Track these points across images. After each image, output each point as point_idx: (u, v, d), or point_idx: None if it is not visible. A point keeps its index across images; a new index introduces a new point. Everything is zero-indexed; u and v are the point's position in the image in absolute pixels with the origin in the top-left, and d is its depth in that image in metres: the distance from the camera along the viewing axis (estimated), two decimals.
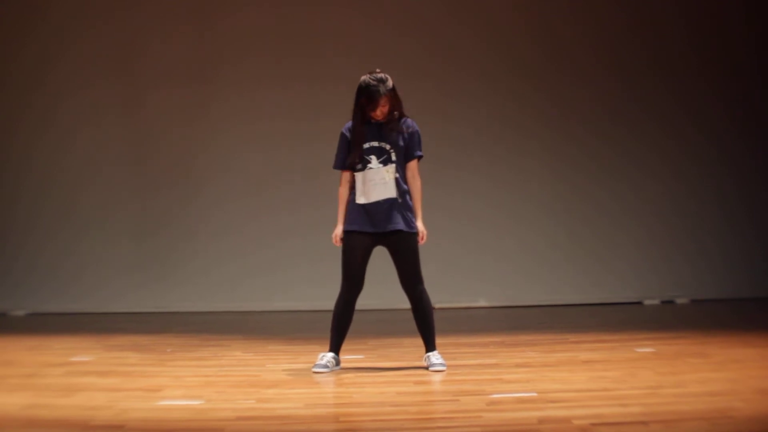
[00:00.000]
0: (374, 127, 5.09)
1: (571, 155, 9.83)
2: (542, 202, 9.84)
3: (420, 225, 5.12)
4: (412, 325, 5.24)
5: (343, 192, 5.15)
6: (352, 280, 5.05)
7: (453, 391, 4.51)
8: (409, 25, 9.74)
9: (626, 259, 9.75)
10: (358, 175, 5.09)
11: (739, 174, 9.92)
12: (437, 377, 4.90)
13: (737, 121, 9.95)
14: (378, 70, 5.07)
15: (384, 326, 7.74)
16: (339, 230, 5.11)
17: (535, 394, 4.25)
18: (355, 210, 5.08)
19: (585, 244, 9.77)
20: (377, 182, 5.04)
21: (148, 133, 9.77)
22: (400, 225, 5.06)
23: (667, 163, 9.90)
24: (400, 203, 5.07)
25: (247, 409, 4.05)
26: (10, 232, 9.69)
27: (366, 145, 5.06)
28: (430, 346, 5.17)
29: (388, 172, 5.06)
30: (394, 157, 5.07)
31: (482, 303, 9.56)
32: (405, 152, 5.11)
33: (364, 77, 5.04)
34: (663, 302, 9.58)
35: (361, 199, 5.07)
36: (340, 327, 5.11)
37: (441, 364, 5.08)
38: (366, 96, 5.00)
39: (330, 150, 9.93)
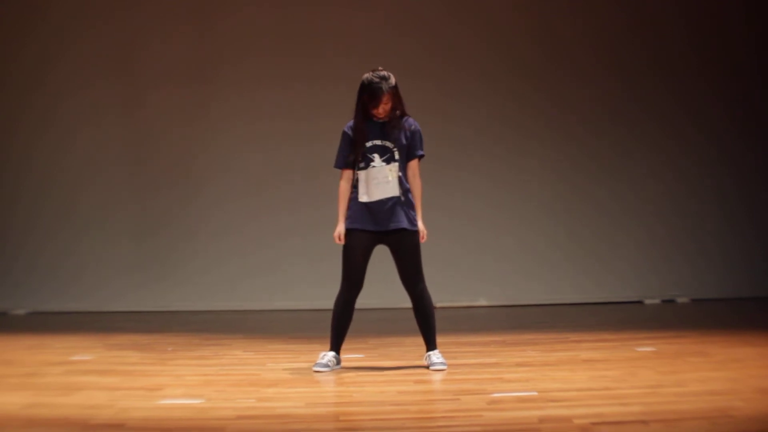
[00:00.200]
0: (377, 126, 5.09)
1: (571, 155, 9.83)
2: (542, 202, 9.83)
3: (420, 224, 5.13)
4: (413, 324, 5.24)
5: (344, 190, 5.14)
6: (353, 279, 5.05)
7: (453, 390, 4.51)
8: (409, 25, 9.74)
9: (626, 259, 9.74)
10: (361, 174, 5.09)
11: (739, 174, 9.92)
12: (438, 376, 4.90)
13: (737, 121, 9.94)
14: (380, 68, 5.08)
15: (385, 325, 7.73)
16: (341, 228, 5.10)
17: (535, 393, 4.25)
18: (357, 208, 5.08)
19: (585, 243, 9.77)
20: (380, 181, 5.04)
21: (148, 133, 9.77)
22: (404, 223, 5.06)
23: (667, 163, 9.89)
24: (403, 201, 5.07)
25: (248, 408, 4.05)
26: (11, 231, 9.69)
27: (369, 144, 5.06)
28: (430, 345, 5.17)
29: (391, 171, 5.06)
30: (397, 156, 5.07)
31: (482, 302, 9.56)
32: (407, 151, 5.11)
33: (367, 74, 5.04)
34: (663, 301, 9.58)
35: (363, 198, 5.07)
36: (340, 326, 5.11)
37: (441, 363, 5.08)
38: (368, 93, 5.00)
39: (330, 150, 9.93)
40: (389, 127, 5.07)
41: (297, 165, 9.66)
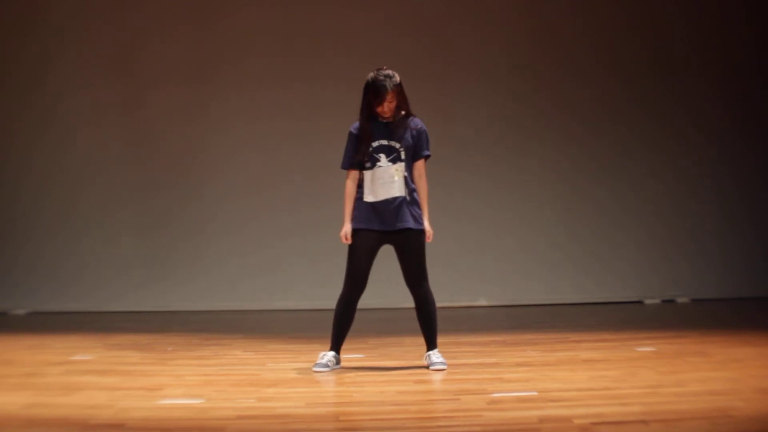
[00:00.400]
0: (382, 126, 5.08)
1: (571, 155, 9.83)
2: (542, 202, 9.83)
3: (426, 224, 5.12)
4: (413, 324, 5.24)
5: (351, 190, 5.12)
6: (356, 278, 5.05)
7: (453, 390, 4.51)
8: (409, 25, 9.74)
9: (626, 259, 9.74)
10: (367, 174, 5.08)
11: (739, 174, 9.92)
12: (438, 376, 4.90)
13: (737, 121, 9.94)
14: (385, 67, 5.08)
15: (385, 325, 7.74)
16: (348, 228, 5.09)
17: (535, 393, 4.25)
18: (362, 208, 5.08)
19: (585, 243, 9.77)
20: (386, 181, 5.04)
21: (148, 133, 9.77)
22: (410, 223, 5.06)
23: (667, 163, 9.89)
24: (409, 201, 5.08)
25: (248, 408, 4.05)
26: (11, 231, 9.68)
27: (375, 144, 5.06)
28: (431, 345, 5.17)
29: (397, 171, 5.06)
30: (403, 156, 5.07)
31: (482, 302, 9.57)
32: (413, 151, 5.11)
33: (372, 73, 5.05)
34: (663, 301, 9.58)
35: (369, 198, 5.07)
36: (341, 326, 5.11)
37: (441, 363, 5.08)
38: (373, 91, 5.00)
39: (330, 150, 9.98)
40: (395, 127, 5.07)
41: (297, 165, 9.67)
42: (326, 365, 5.05)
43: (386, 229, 5.06)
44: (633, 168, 9.86)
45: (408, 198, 5.07)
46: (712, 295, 9.58)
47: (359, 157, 5.08)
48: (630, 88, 9.86)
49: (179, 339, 6.93)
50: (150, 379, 4.89)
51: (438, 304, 5.19)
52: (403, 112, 5.11)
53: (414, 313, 5.21)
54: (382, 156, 5.06)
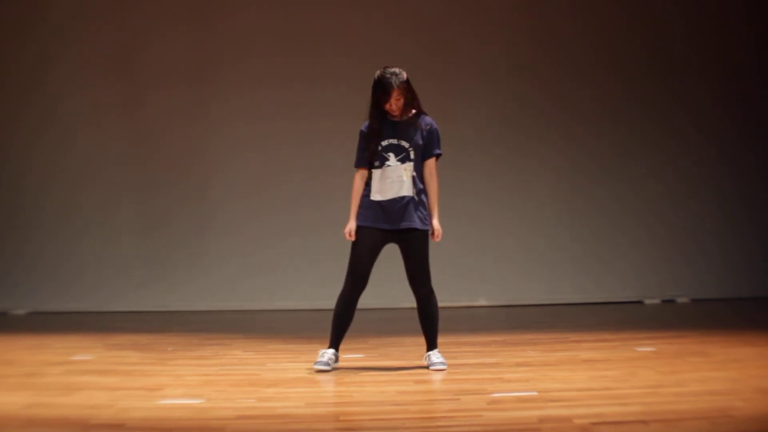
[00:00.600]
0: (392, 125, 5.07)
1: (571, 155, 9.83)
2: (542, 202, 9.84)
3: (436, 223, 5.12)
4: (413, 324, 5.24)
5: (358, 188, 5.11)
6: (358, 275, 5.04)
7: (453, 390, 4.51)
8: (409, 25, 9.74)
9: (626, 259, 9.75)
10: (375, 172, 5.08)
11: (739, 174, 9.92)
12: (438, 376, 4.90)
13: (737, 121, 9.94)
14: (391, 66, 5.07)
15: (385, 325, 7.74)
16: (352, 225, 5.08)
17: (535, 393, 4.25)
18: (369, 206, 5.07)
19: (585, 243, 9.77)
20: (394, 180, 5.03)
21: (148, 133, 9.77)
22: (416, 223, 5.06)
23: (667, 163, 9.90)
24: (416, 201, 5.07)
25: (248, 408, 4.05)
26: (11, 231, 9.68)
27: (384, 143, 5.05)
28: (431, 345, 5.17)
29: (406, 171, 5.05)
30: (412, 156, 5.07)
31: (482, 302, 9.57)
32: (423, 150, 5.10)
33: (379, 71, 5.04)
34: (663, 301, 9.58)
35: (376, 196, 5.06)
36: (340, 324, 5.11)
37: (441, 363, 5.08)
38: (380, 89, 4.99)
39: (330, 150, 9.98)
40: (404, 126, 5.07)
41: (297, 165, 9.67)
42: (327, 363, 5.05)
43: (391, 228, 5.05)
44: (633, 168, 9.86)
45: (416, 198, 5.07)
46: (712, 295, 9.58)
47: (368, 156, 5.07)
48: (630, 88, 9.86)
49: (179, 339, 6.93)
50: (150, 379, 4.89)
51: (438, 304, 5.20)
52: (413, 111, 5.10)
53: (414, 313, 5.21)
54: (391, 155, 5.06)
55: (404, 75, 5.03)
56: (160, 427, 3.72)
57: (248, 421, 3.78)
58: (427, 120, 5.15)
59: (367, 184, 5.11)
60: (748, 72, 9.98)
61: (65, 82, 9.67)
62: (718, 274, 9.74)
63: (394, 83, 4.97)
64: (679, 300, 9.61)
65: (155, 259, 9.64)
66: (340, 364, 5.17)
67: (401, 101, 5.03)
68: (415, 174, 5.07)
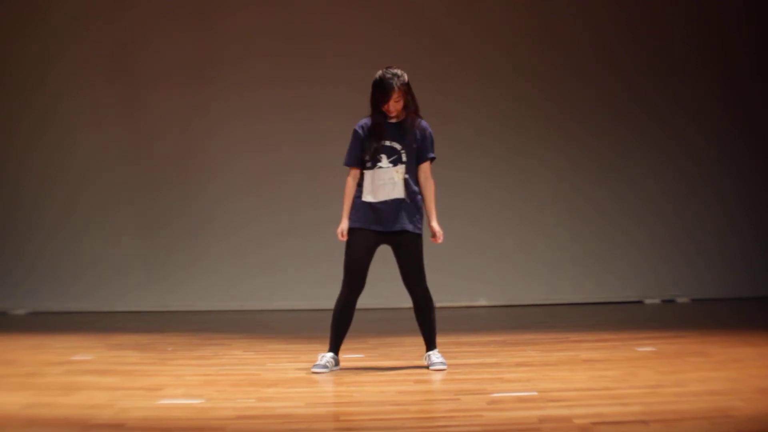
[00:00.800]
0: (388, 126, 5.05)
1: (571, 155, 9.83)
2: (542, 202, 9.84)
3: (436, 225, 5.10)
4: (413, 324, 5.23)
5: (351, 188, 5.09)
6: (355, 278, 5.03)
7: (453, 390, 4.51)
8: (409, 25, 9.74)
9: (626, 259, 9.75)
10: (367, 173, 5.06)
11: (739, 174, 9.93)
12: (438, 376, 4.90)
13: (737, 121, 9.95)
14: (394, 66, 5.05)
15: (385, 325, 7.74)
16: (345, 225, 5.07)
17: (535, 393, 4.25)
18: (361, 208, 5.06)
19: (585, 243, 9.77)
20: (386, 182, 5.02)
21: (148, 133, 9.77)
22: (407, 225, 5.05)
23: (667, 163, 9.90)
24: (408, 204, 5.06)
25: (248, 408, 4.04)
26: (11, 231, 9.69)
27: (378, 144, 5.03)
28: (430, 345, 5.17)
29: (398, 173, 5.04)
30: (404, 158, 5.05)
31: (482, 302, 9.57)
32: (417, 154, 5.09)
33: (380, 71, 5.02)
34: (663, 301, 9.58)
35: (368, 198, 5.05)
36: (339, 327, 5.10)
37: (441, 363, 5.08)
38: (380, 89, 4.98)
39: (330, 150, 9.99)
40: (400, 128, 5.05)
41: (297, 165, 9.67)
42: (325, 366, 5.04)
43: (384, 229, 5.05)
44: (633, 168, 9.86)
45: (408, 200, 5.06)
46: (712, 295, 9.59)
47: (365, 155, 5.05)
48: (630, 88, 9.86)
49: (179, 339, 6.93)
50: (150, 379, 4.88)
51: (438, 304, 5.19)
52: (411, 113, 5.09)
53: (413, 313, 5.20)
54: (384, 157, 5.04)
55: (405, 77, 5.01)
56: (160, 427, 3.72)
57: (248, 421, 3.78)
58: (423, 124, 5.13)
59: (359, 186, 5.09)
60: (748, 72, 9.99)
61: (65, 82, 9.67)
62: (718, 274, 9.75)
63: (395, 84, 4.96)
64: (679, 300, 9.61)
65: (155, 259, 9.65)
66: (340, 364, 5.17)
67: (400, 103, 5.02)
68: (408, 176, 5.06)
